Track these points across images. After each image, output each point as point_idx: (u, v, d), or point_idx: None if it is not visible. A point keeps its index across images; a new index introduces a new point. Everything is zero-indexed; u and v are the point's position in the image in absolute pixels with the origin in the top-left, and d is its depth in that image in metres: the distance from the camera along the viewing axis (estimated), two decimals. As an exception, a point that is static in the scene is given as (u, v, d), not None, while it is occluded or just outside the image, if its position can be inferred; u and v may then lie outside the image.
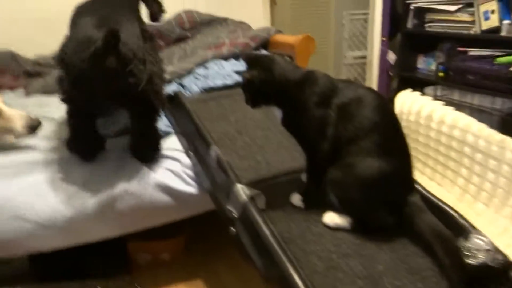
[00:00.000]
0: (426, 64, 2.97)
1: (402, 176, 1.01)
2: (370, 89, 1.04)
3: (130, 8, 1.43)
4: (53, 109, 1.68)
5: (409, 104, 1.59)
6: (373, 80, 2.98)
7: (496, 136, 1.26)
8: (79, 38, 1.15)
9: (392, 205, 0.98)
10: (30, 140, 1.44)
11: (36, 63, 2.31)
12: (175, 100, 1.63)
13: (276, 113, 1.04)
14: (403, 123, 1.37)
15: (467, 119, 1.38)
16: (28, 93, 2.01)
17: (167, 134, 1.51)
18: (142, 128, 1.34)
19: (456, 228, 0.99)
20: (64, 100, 1.26)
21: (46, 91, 1.98)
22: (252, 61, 1.04)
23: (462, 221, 1.02)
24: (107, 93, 1.16)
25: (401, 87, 2.85)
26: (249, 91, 1.02)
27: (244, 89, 1.02)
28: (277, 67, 0.99)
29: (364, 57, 3.49)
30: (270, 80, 0.99)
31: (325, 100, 0.98)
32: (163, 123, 1.52)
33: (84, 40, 1.11)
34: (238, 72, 1.86)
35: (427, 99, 1.58)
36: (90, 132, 1.35)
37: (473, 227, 1.00)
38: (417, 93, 1.64)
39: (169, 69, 1.78)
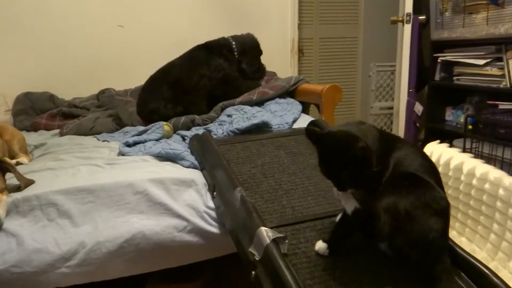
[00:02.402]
0: (454, 116, 2.95)
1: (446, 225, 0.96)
2: (414, 144, 1.04)
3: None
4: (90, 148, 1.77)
5: (437, 155, 1.57)
6: (400, 131, 2.96)
7: (529, 191, 1.22)
8: None
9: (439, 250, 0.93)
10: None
11: (72, 105, 2.41)
12: (202, 140, 1.65)
13: None
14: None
15: (497, 173, 1.34)
16: (63, 133, 2.08)
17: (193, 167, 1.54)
18: None
19: None
20: None
21: (80, 132, 2.06)
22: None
23: (496, 280, 0.95)
24: None
25: (429, 138, 2.83)
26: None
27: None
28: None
29: (390, 108, 3.49)
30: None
31: (384, 155, 0.97)
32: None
33: None
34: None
35: (456, 151, 1.55)
36: None
37: None
38: (445, 145, 1.62)
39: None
